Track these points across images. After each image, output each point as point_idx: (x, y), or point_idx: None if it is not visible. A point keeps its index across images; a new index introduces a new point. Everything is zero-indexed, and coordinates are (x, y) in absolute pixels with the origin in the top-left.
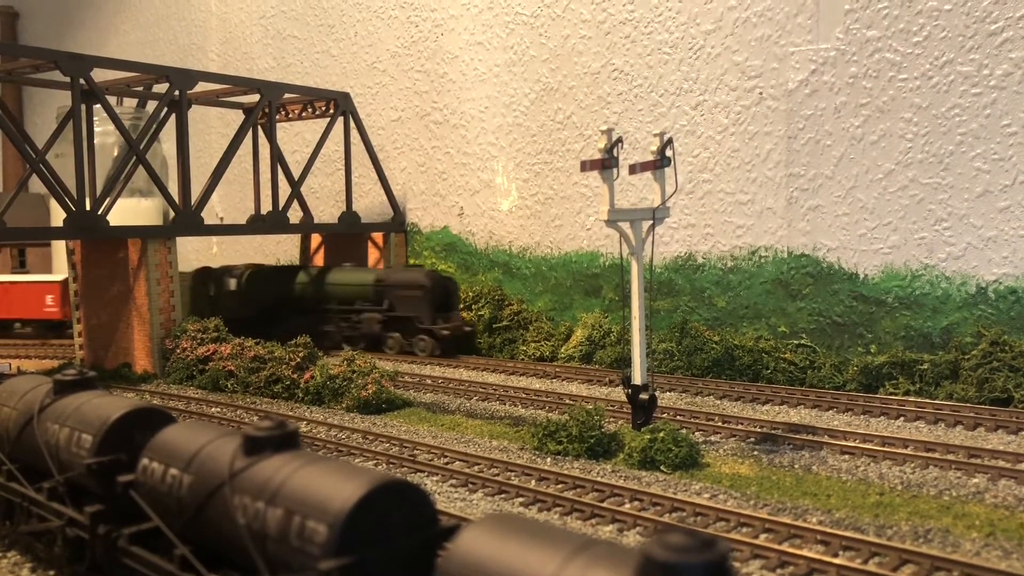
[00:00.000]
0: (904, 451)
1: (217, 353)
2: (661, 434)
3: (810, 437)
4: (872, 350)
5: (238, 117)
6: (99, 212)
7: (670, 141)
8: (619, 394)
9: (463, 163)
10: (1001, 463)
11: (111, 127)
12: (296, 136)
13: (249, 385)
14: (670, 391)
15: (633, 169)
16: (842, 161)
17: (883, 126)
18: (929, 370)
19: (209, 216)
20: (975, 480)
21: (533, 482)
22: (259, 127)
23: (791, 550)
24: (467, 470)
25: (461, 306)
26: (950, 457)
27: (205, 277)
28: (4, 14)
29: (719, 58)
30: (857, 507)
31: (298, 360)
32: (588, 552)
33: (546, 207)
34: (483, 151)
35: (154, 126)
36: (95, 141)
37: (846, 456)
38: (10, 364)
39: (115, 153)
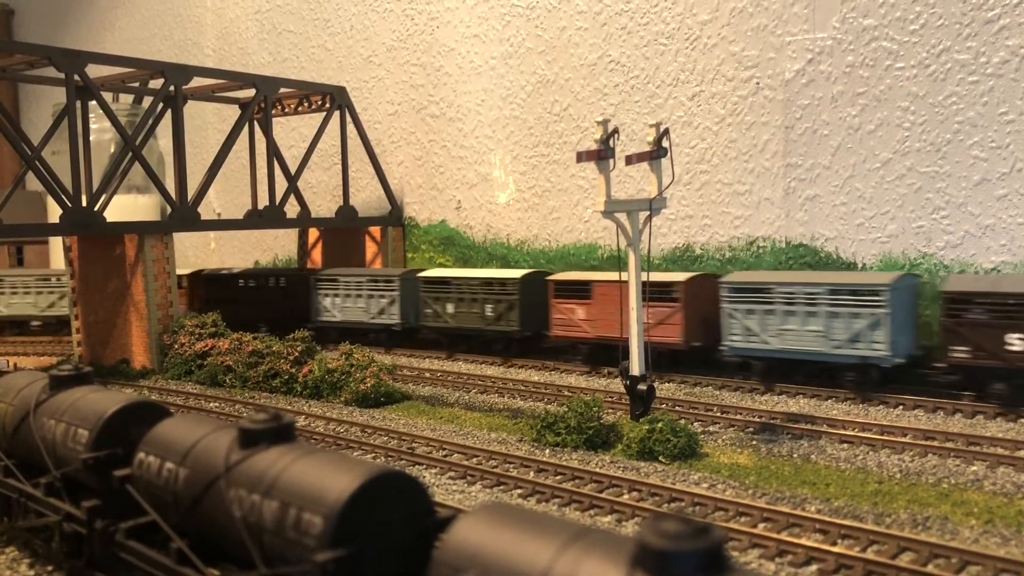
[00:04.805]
0: (903, 439)
1: (215, 348)
2: (659, 424)
3: (809, 426)
4: None
5: (234, 112)
6: (96, 209)
7: (666, 132)
8: (618, 385)
9: (460, 156)
10: (1000, 450)
11: (107, 123)
12: (292, 131)
13: (247, 380)
14: (668, 382)
15: (629, 160)
16: (839, 150)
17: (880, 115)
18: None
19: (206, 212)
20: (974, 468)
21: (531, 473)
22: (255, 122)
23: (790, 539)
24: (465, 462)
25: None
26: (949, 445)
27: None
28: None
29: (716, 48)
30: (856, 496)
31: (296, 354)
32: (583, 540)
33: (543, 199)
34: (480, 144)
35: (150, 122)
36: (91, 138)
37: (845, 445)
38: (7, 361)
39: (111, 149)
